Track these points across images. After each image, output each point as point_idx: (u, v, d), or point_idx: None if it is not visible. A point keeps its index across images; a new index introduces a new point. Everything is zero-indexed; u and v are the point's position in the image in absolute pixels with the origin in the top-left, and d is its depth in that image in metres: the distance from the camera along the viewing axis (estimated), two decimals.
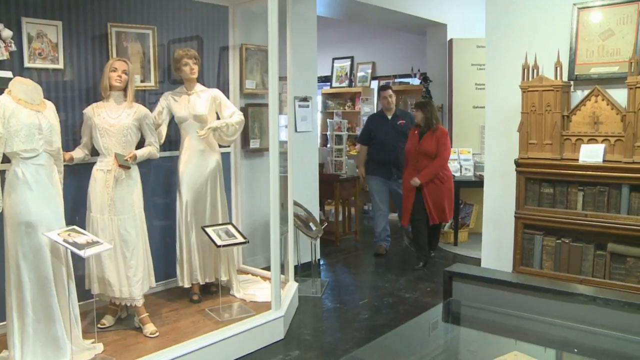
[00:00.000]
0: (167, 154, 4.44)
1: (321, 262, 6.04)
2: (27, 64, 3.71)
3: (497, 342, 1.62)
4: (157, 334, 3.70)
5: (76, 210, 3.89)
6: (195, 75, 4.24)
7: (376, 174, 6.33)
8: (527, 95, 4.02)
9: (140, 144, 3.91)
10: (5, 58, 3.54)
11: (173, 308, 4.21)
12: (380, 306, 4.74)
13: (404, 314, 4.55)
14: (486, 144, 4.74)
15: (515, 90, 4.14)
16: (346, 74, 9.65)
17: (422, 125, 5.63)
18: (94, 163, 3.80)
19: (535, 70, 4.07)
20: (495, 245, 4.61)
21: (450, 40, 7.57)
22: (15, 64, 3.65)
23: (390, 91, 6.43)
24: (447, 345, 1.73)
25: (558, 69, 3.99)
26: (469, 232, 7.05)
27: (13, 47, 3.59)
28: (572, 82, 4.07)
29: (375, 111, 9.44)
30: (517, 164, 4.10)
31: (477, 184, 6.24)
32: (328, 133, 7.81)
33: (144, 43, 4.36)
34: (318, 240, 5.35)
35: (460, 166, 6.95)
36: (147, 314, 3.83)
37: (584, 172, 3.80)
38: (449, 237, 6.88)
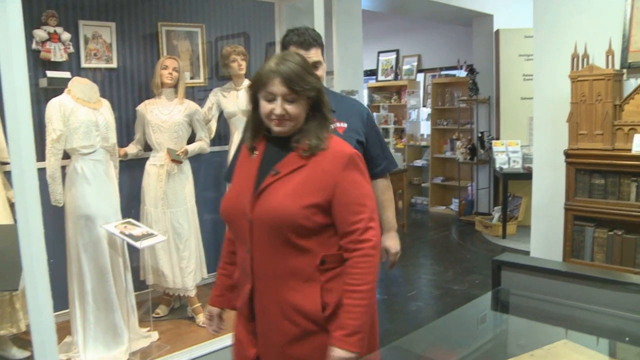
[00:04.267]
0: (216, 148, 4.55)
1: None
2: (83, 64, 3.86)
3: (547, 330, 1.63)
4: None
5: (131, 203, 4.03)
6: (244, 71, 4.32)
7: None
8: (576, 85, 3.96)
9: (191, 139, 4.02)
10: (64, 59, 3.70)
11: None
12: (428, 298, 4.75)
13: (452, 305, 4.55)
14: (534, 136, 4.68)
15: (564, 81, 4.08)
16: (392, 67, 9.63)
17: None
18: (147, 158, 3.93)
19: (585, 59, 4.00)
20: (544, 237, 4.56)
21: (497, 31, 7.47)
22: (73, 65, 3.80)
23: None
24: (496, 333, 1.75)
25: (610, 57, 3.91)
26: (518, 224, 6.97)
27: (71, 49, 3.75)
28: (624, 71, 3.98)
29: (421, 105, 9.42)
30: (567, 155, 4.04)
31: (526, 176, 6.16)
32: None
33: (193, 41, 4.47)
34: None
35: (509, 158, 6.86)
36: (200, 304, 3.95)
37: (637, 163, 3.72)
38: (497, 230, 6.82)
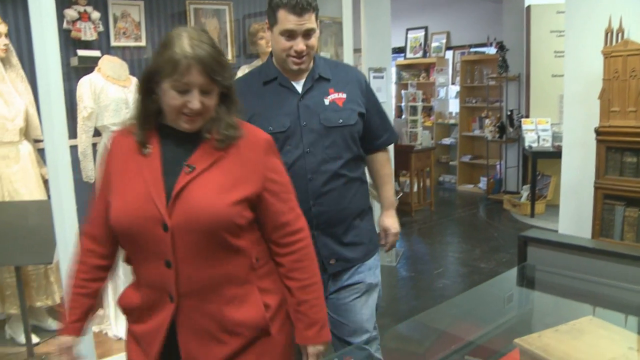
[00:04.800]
0: None
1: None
2: (113, 43, 3.91)
3: (572, 307, 1.63)
4: None
5: None
6: (271, 49, 4.32)
7: None
8: (609, 61, 3.88)
9: None
10: (94, 38, 3.76)
11: None
12: (455, 276, 4.75)
13: (479, 283, 4.54)
14: (565, 113, 4.60)
15: (596, 57, 4.00)
16: (420, 44, 9.52)
17: None
18: None
19: (619, 34, 3.91)
20: (573, 216, 4.51)
21: (528, 7, 7.32)
22: (103, 44, 3.86)
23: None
24: (520, 309, 1.75)
25: None
26: (547, 203, 6.89)
27: (101, 28, 3.80)
28: None
29: (450, 82, 9.32)
30: (598, 132, 3.98)
31: (555, 154, 6.07)
32: (402, 104, 7.78)
33: (221, 18, 4.48)
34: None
35: (538, 136, 6.76)
36: None
37: None
38: (526, 209, 6.75)
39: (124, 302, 1.59)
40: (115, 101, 3.31)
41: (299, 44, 1.94)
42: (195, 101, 1.42)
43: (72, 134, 3.24)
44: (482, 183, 8.28)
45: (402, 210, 6.53)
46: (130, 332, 1.60)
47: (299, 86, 2.06)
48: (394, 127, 2.37)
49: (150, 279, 1.50)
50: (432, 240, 5.91)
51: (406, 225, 6.43)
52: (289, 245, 1.58)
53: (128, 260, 1.58)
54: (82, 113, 3.28)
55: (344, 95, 2.07)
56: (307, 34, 1.94)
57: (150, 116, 1.50)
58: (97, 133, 3.39)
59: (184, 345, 1.49)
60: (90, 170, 3.33)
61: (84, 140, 3.30)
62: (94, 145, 3.42)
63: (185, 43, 1.41)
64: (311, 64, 2.07)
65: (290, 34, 1.93)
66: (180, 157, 1.49)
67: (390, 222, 2.30)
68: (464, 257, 5.23)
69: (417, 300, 4.26)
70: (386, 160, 2.30)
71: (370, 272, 2.14)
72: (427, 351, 1.65)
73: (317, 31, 2.00)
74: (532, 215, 6.65)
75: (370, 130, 2.16)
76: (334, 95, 2.06)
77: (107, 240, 1.56)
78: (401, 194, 6.08)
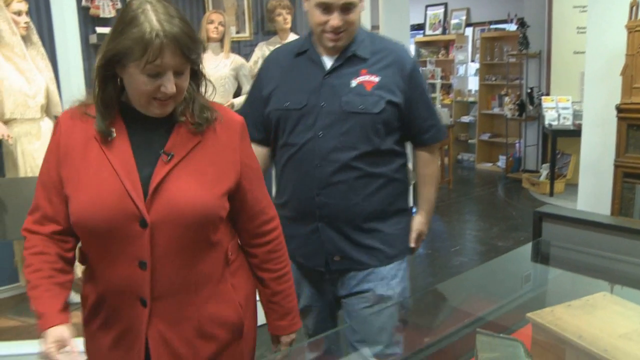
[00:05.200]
0: None
1: (413, 210, 6.08)
2: None
3: (587, 283, 1.63)
4: None
5: None
6: (289, 25, 4.31)
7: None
8: (633, 36, 3.81)
9: (237, 93, 4.07)
10: (112, 15, 3.77)
11: None
12: (472, 254, 4.76)
13: None
14: (585, 90, 4.54)
15: (620, 32, 3.92)
16: (439, 21, 9.41)
17: None
18: None
19: None
20: (592, 194, 4.47)
21: None
22: None
23: None
24: (534, 284, 1.76)
25: None
26: (566, 182, 6.83)
27: (119, 5, 3.81)
28: None
29: (469, 60, 9.22)
30: (619, 109, 3.92)
31: (576, 133, 5.99)
32: None
33: None
34: (410, 187, 5.37)
35: (558, 115, 6.68)
36: None
37: None
38: (545, 188, 6.70)
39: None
40: None
41: (335, 19, 1.74)
42: (170, 85, 1.25)
43: None
44: (501, 161, 8.23)
45: None
46: (91, 342, 1.43)
47: (329, 62, 1.85)
48: (442, 122, 2.05)
49: (117, 282, 1.33)
50: (449, 218, 5.90)
51: None
52: (265, 235, 1.49)
53: (84, 261, 1.40)
54: None
55: (376, 79, 1.82)
56: (346, 7, 1.74)
57: (112, 104, 1.31)
58: None
59: (155, 356, 1.35)
60: None
61: None
62: None
63: (153, 19, 1.21)
64: (349, 40, 1.83)
65: (326, 7, 1.74)
66: (153, 143, 1.33)
67: (422, 227, 2.02)
68: (482, 235, 5.22)
69: (433, 277, 4.28)
70: (429, 159, 2.02)
71: (383, 282, 1.89)
72: (438, 325, 1.66)
73: (361, 4, 1.80)
74: (551, 194, 6.60)
75: (412, 124, 1.91)
76: (364, 77, 1.82)
77: (69, 233, 1.37)
78: None
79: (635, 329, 1.24)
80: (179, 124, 1.34)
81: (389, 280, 1.90)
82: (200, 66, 1.35)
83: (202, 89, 1.38)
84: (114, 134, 1.31)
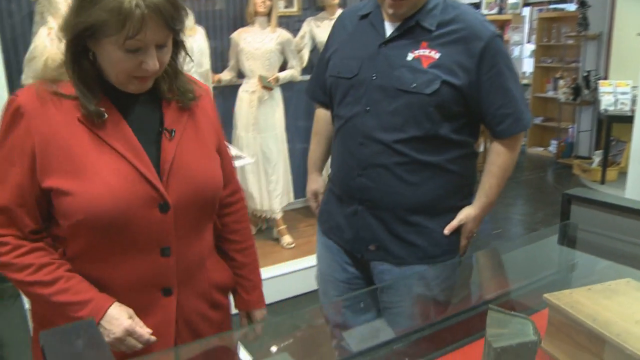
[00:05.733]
0: (308, 77, 4.59)
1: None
2: None
3: (613, 268, 1.60)
4: (293, 245, 4.01)
5: (224, 128, 4.19)
6: (337, 1, 4.29)
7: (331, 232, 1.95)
8: None
9: (283, 68, 4.10)
10: None
11: (309, 223, 4.46)
12: (514, 237, 4.70)
13: None
14: None
15: None
16: (496, 0, 9.18)
17: None
18: (240, 85, 4.05)
19: None
20: None
21: None
22: None
23: None
24: (558, 266, 1.73)
25: None
26: (619, 171, 6.61)
27: None
28: None
29: (525, 41, 8.97)
30: None
31: (633, 119, 5.80)
32: None
33: None
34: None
35: (616, 100, 6.45)
36: (285, 226, 4.13)
37: None
38: (596, 175, 6.51)
39: None
40: None
41: None
42: (152, 62, 1.12)
43: None
44: (553, 146, 8.03)
45: None
46: None
47: (389, 29, 1.65)
48: (525, 109, 1.72)
49: (133, 278, 1.21)
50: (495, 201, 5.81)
51: None
52: (231, 205, 1.44)
53: (83, 261, 1.21)
54: None
55: (436, 56, 1.60)
56: None
57: (93, 81, 1.15)
58: None
59: (180, 339, 1.30)
60: None
61: None
62: None
63: None
64: (415, 8, 1.62)
65: None
66: (147, 121, 1.22)
67: (473, 223, 1.79)
68: (525, 220, 5.14)
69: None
70: (501, 150, 1.74)
71: (421, 282, 1.77)
72: (454, 301, 1.67)
73: None
74: (603, 181, 6.42)
75: (484, 111, 1.66)
76: (422, 51, 1.60)
77: (40, 232, 1.21)
78: None
79: None
80: (166, 100, 1.25)
81: (430, 281, 1.75)
82: (181, 35, 1.20)
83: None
84: (106, 115, 1.15)
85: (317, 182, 2.07)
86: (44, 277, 1.15)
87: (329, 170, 1.93)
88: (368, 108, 1.65)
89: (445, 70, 1.59)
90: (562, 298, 1.32)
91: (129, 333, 1.17)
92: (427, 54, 1.61)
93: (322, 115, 2.00)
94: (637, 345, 1.10)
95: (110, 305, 1.18)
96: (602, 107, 6.51)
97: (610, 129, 6.40)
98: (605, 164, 6.45)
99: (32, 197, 1.16)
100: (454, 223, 1.74)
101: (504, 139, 1.72)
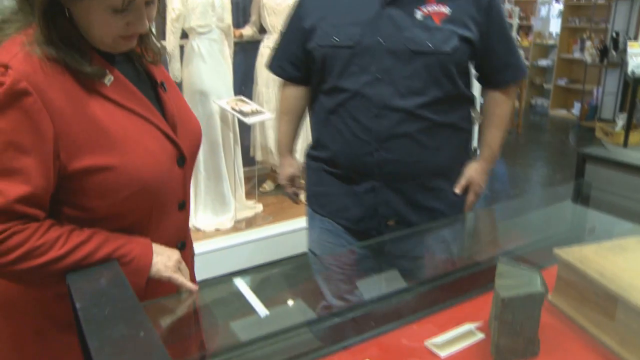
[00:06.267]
0: None
1: (477, 151, 5.99)
2: None
3: (625, 227, 1.60)
4: None
5: (244, 83, 4.22)
6: None
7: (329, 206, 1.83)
8: None
9: None
10: None
11: None
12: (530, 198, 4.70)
13: None
14: None
15: None
16: None
17: None
18: (261, 40, 4.04)
19: None
20: None
21: None
22: None
23: None
24: (569, 224, 1.75)
25: None
26: None
27: None
28: None
29: (553, 0, 8.77)
30: None
31: None
32: None
33: None
34: (476, 128, 5.29)
35: None
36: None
37: None
38: (619, 139, 6.43)
39: None
40: (202, 4, 3.39)
41: None
42: (142, 22, 1.03)
43: (161, 35, 3.39)
44: (576, 109, 7.94)
45: None
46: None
47: None
48: (522, 60, 1.76)
49: (156, 237, 1.16)
50: (514, 162, 5.79)
51: None
52: None
53: (106, 229, 1.09)
54: (170, 15, 3.40)
55: (447, 10, 1.53)
56: None
57: (78, 41, 1.02)
58: (184, 35, 3.52)
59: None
60: (177, 70, 3.48)
61: (171, 41, 3.43)
62: (182, 47, 3.55)
63: None
64: None
65: None
66: (138, 78, 1.16)
67: (480, 177, 1.74)
68: (544, 182, 5.12)
69: None
70: (503, 99, 1.72)
71: (443, 245, 1.73)
72: (463, 254, 1.70)
73: None
74: (625, 145, 6.33)
75: (488, 62, 1.66)
76: (432, 7, 1.52)
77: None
78: None
79: None
80: (140, 57, 1.18)
81: (449, 244, 1.73)
82: None
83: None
84: (110, 75, 1.06)
85: (293, 166, 1.91)
86: (78, 239, 1.03)
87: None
88: (379, 76, 1.55)
89: (460, 24, 1.55)
90: (572, 253, 1.35)
91: (180, 260, 1.18)
92: (437, 9, 1.54)
93: (291, 92, 1.83)
94: None
95: (155, 253, 1.13)
96: (630, 68, 6.37)
97: (636, 91, 6.28)
98: (629, 127, 6.35)
99: (50, 186, 1.00)
100: (462, 181, 1.72)
101: (504, 88, 1.72)
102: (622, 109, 7.01)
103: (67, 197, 1.04)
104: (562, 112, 8.23)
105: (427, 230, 1.70)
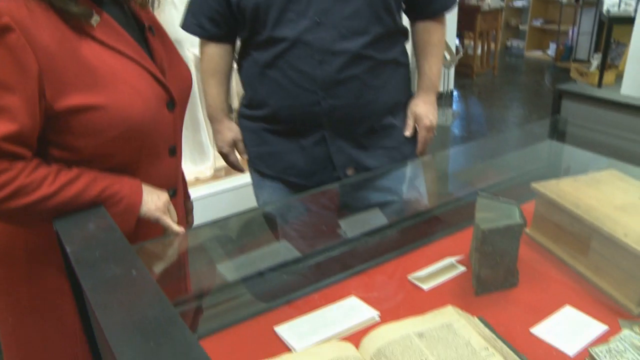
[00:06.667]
0: None
1: (454, 93, 6.00)
2: None
3: (601, 162, 1.64)
4: None
5: None
6: None
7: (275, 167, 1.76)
8: None
9: None
10: None
11: None
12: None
13: None
14: None
15: None
16: None
17: None
18: None
19: None
20: (637, 81, 4.32)
21: None
22: None
23: None
24: (546, 159, 1.78)
25: None
26: (617, 74, 6.58)
27: None
28: None
29: None
30: None
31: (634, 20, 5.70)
32: None
33: None
34: (452, 69, 5.29)
35: (620, 0, 6.31)
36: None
37: None
38: (594, 79, 6.48)
39: None
40: None
41: None
42: None
43: None
44: (552, 49, 7.95)
45: (463, 73, 6.41)
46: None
47: None
48: None
49: (148, 183, 1.17)
50: (490, 103, 5.83)
51: (465, 87, 6.33)
52: None
53: None
54: None
55: None
56: None
57: None
58: None
59: None
60: None
61: None
62: None
63: None
64: None
65: None
66: (125, 20, 1.13)
67: (424, 109, 1.67)
68: (520, 122, 5.18)
69: None
70: (435, 26, 1.68)
71: (402, 186, 1.71)
72: (441, 191, 1.73)
73: None
74: (600, 85, 6.39)
75: None
76: None
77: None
78: (461, 55, 5.91)
79: (632, 202, 1.28)
80: (127, 3, 1.16)
81: (407, 184, 1.72)
82: None
83: None
84: (96, 15, 1.04)
85: (232, 130, 1.76)
86: (66, 177, 1.02)
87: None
88: (319, 20, 1.46)
89: None
90: (549, 187, 1.39)
91: (169, 202, 1.18)
92: None
93: (215, 51, 1.69)
94: (615, 227, 1.17)
95: (145, 194, 1.13)
96: (605, 7, 6.38)
97: (611, 30, 6.30)
98: (603, 67, 6.39)
99: (36, 125, 0.98)
100: (409, 122, 1.67)
101: (437, 16, 1.67)
102: (597, 50, 7.05)
103: (54, 137, 1.03)
104: (537, 54, 8.25)
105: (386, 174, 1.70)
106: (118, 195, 1.07)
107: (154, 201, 1.13)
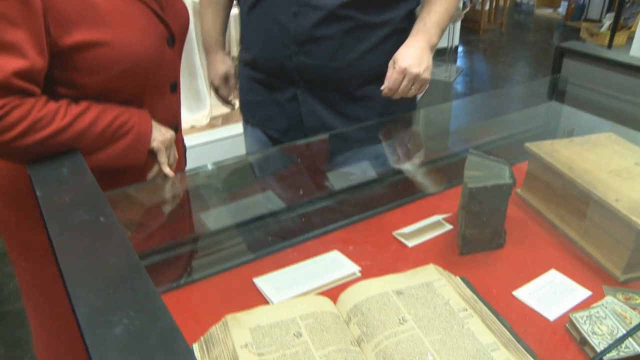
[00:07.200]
0: None
1: (459, 49, 5.89)
2: None
3: (600, 124, 1.61)
4: None
5: None
6: None
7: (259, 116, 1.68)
8: None
9: None
10: None
11: None
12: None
13: None
14: None
15: None
16: None
17: None
18: None
19: None
20: None
21: None
22: None
23: None
24: (544, 119, 1.75)
25: None
26: (629, 35, 6.44)
27: None
28: None
29: None
30: None
31: None
32: None
33: None
34: (458, 24, 5.17)
35: None
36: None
37: None
38: (604, 40, 6.34)
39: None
40: None
41: None
42: None
43: None
44: (563, 7, 7.77)
45: (469, 28, 6.28)
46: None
47: None
48: None
49: (159, 115, 1.18)
50: (495, 61, 5.72)
51: (471, 43, 6.21)
52: None
53: None
54: None
55: None
56: None
57: None
58: None
59: None
60: None
61: None
62: None
63: None
64: None
65: None
66: None
67: (404, 52, 1.36)
68: (525, 82, 5.09)
69: None
70: None
71: (378, 160, 1.58)
72: (434, 147, 1.69)
73: None
74: (610, 46, 6.24)
75: None
76: None
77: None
78: (467, 9, 5.75)
79: (626, 167, 1.25)
80: None
81: (399, 138, 1.60)
82: None
83: None
84: None
85: (225, 62, 1.69)
86: (77, 110, 1.02)
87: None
88: None
89: None
90: (543, 147, 1.35)
91: (173, 140, 1.19)
92: None
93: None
94: (607, 192, 1.15)
95: (153, 126, 1.14)
96: None
97: None
98: (615, 27, 6.24)
99: (45, 62, 0.98)
100: (394, 76, 1.35)
101: None
102: (610, 9, 6.88)
103: (60, 74, 1.02)
104: (547, 11, 8.06)
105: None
106: (129, 124, 1.09)
107: (162, 132, 1.16)
